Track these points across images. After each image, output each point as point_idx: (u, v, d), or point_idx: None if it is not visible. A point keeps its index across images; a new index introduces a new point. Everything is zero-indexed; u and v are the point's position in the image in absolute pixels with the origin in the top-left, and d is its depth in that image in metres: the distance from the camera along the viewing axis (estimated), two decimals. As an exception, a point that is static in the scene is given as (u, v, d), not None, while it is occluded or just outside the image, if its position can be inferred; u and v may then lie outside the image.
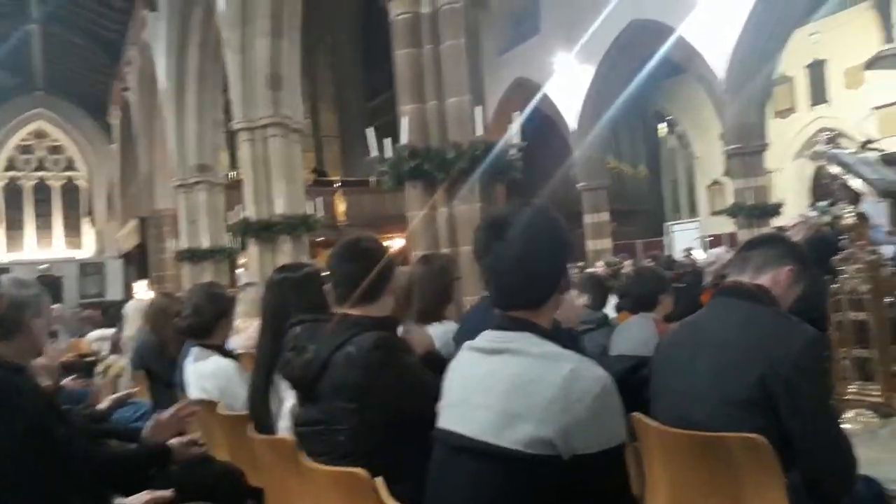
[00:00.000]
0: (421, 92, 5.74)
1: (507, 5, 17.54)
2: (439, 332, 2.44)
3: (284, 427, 2.13)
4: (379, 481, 1.50)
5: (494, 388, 1.29)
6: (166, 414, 2.45)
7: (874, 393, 3.68)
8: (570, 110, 15.36)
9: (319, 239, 15.82)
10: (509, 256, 1.31)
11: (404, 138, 5.62)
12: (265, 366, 2.23)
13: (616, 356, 2.87)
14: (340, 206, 18.30)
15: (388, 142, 5.76)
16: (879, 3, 12.91)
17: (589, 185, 15.13)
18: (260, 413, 2.20)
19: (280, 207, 9.58)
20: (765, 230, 11.42)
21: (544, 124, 15.39)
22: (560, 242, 1.36)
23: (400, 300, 2.54)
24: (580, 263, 9.95)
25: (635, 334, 3.05)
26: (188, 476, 2.45)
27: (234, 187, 14.68)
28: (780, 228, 9.34)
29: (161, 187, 16.25)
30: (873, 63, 10.87)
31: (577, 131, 15.29)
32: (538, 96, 14.37)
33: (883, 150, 6.02)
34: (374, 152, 5.81)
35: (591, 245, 14.78)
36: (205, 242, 13.10)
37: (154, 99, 15.57)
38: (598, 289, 4.54)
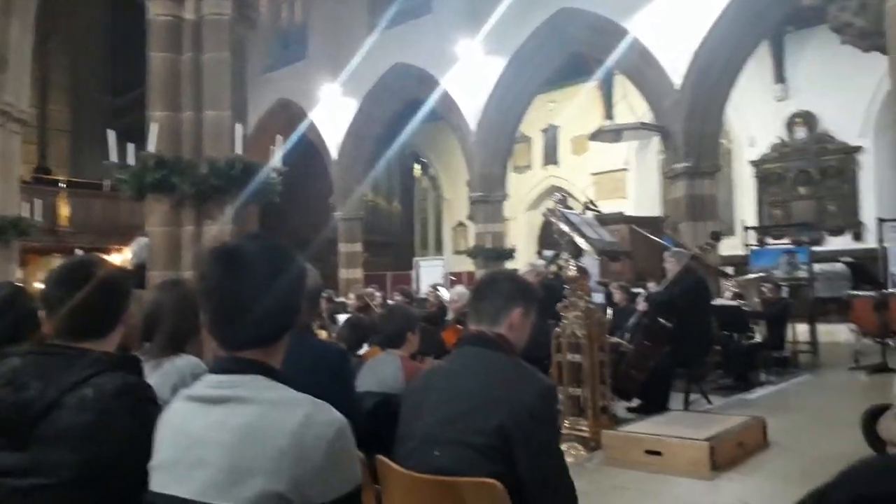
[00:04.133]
0: (176, 100, 5.36)
1: (276, 25, 17.26)
2: (180, 366, 2.22)
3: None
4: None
5: (220, 442, 1.16)
6: None
7: (584, 428, 4.18)
8: (333, 140, 15.47)
9: (34, 245, 13.90)
10: (244, 290, 1.21)
11: (152, 146, 5.19)
12: None
13: (363, 392, 2.87)
14: (64, 210, 16.32)
15: (131, 147, 5.28)
16: (605, 84, 14.97)
17: (346, 215, 15.30)
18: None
19: (-12, 206, 8.26)
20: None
21: (306, 150, 15.28)
22: (297, 278, 1.30)
23: (139, 330, 2.27)
24: (330, 292, 9.95)
25: (381, 371, 3.09)
26: None
27: (-74, 175, 12.36)
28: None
29: None
30: (596, 135, 12.44)
31: (338, 161, 15.45)
32: (305, 124, 14.25)
33: (599, 211, 6.93)
34: (113, 156, 5.28)
35: (343, 273, 14.92)
36: None
37: None
38: (355, 332, 4.62)
